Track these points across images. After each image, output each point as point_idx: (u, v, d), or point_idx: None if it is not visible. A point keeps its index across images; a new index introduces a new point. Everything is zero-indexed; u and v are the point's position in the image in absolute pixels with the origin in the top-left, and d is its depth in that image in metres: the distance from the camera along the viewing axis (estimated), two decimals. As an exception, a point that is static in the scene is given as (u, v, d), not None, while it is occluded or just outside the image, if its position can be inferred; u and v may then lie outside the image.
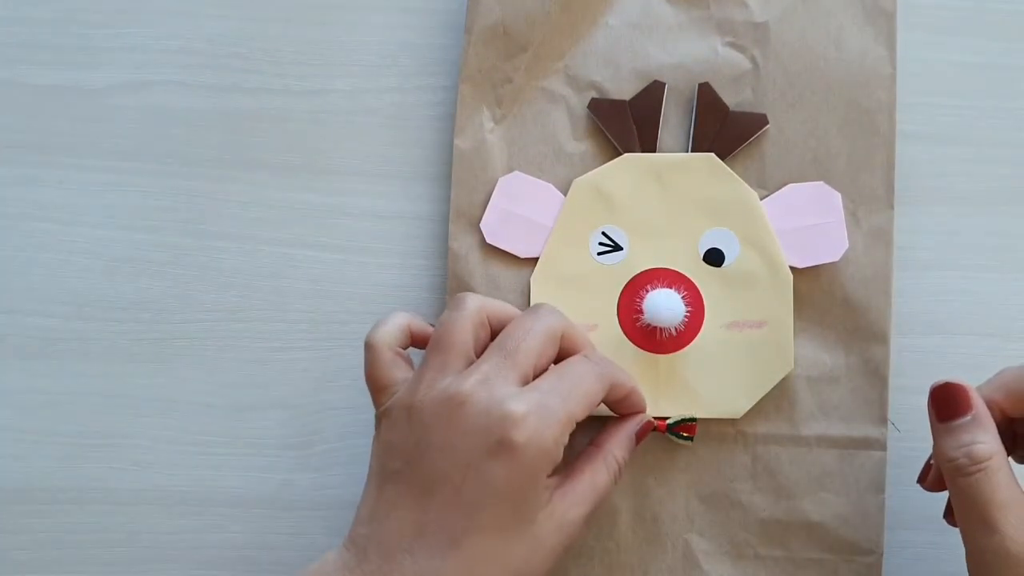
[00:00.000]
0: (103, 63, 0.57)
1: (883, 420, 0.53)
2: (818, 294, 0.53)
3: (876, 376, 0.53)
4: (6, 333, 0.57)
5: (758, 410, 0.53)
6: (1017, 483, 0.42)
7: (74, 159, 0.57)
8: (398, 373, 0.47)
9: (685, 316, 0.52)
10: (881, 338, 0.53)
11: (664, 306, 0.51)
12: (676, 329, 0.52)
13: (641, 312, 0.52)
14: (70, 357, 0.56)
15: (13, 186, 0.57)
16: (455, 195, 0.54)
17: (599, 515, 0.53)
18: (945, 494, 0.48)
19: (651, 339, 0.53)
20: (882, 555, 0.53)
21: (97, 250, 0.57)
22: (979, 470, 0.41)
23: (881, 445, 0.53)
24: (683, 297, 0.52)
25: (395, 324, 0.49)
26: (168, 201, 0.57)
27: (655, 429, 0.52)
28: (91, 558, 0.56)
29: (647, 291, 0.53)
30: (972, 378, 0.53)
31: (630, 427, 0.50)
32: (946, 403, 0.43)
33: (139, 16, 0.57)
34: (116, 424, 0.56)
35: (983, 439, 0.41)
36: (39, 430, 0.56)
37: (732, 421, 0.53)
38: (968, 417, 0.42)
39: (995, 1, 0.57)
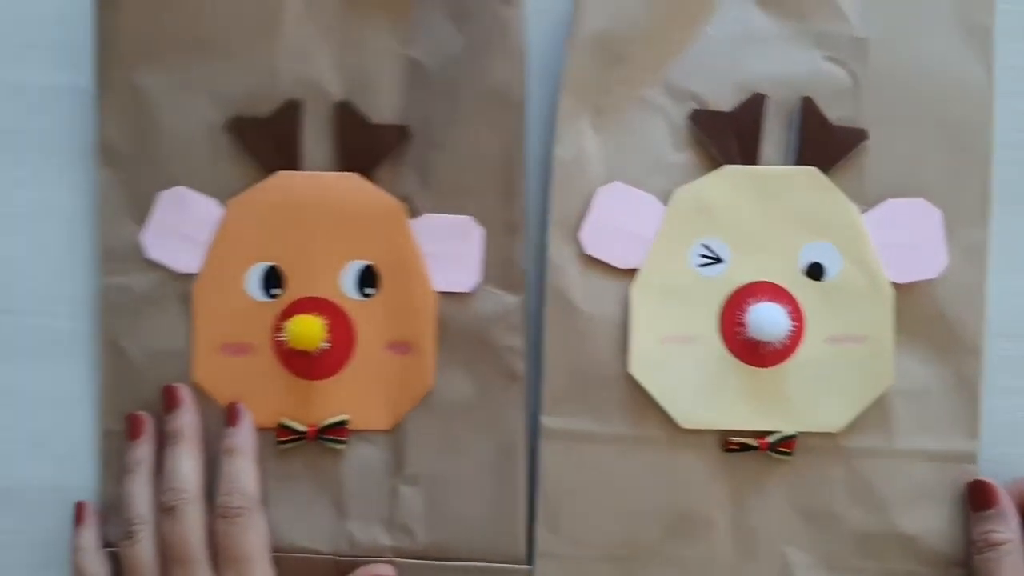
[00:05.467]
0: (103, 63, 0.56)
1: (974, 433, 0.54)
2: (914, 309, 0.54)
3: (968, 390, 0.54)
4: (6, 333, 0.55)
5: (855, 423, 0.53)
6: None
7: (74, 159, 0.56)
8: None
9: (790, 331, 0.52)
10: (974, 352, 0.54)
11: (769, 320, 0.52)
12: (779, 343, 0.52)
13: (743, 325, 0.52)
14: (70, 357, 0.55)
15: (13, 186, 0.56)
16: (554, 205, 0.54)
17: (696, 527, 0.53)
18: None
19: (753, 353, 0.53)
20: (977, 567, 0.53)
21: (97, 250, 0.55)
22: (992, 552, 0.51)
23: (973, 458, 0.54)
24: (787, 311, 0.52)
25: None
26: (165, 201, 0.56)
27: (757, 448, 0.53)
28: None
29: (749, 304, 0.53)
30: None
31: None
32: (978, 497, 0.53)
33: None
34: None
35: (1000, 529, 0.52)
36: (39, 430, 0.55)
37: (831, 435, 0.53)
38: (992, 510, 0.52)
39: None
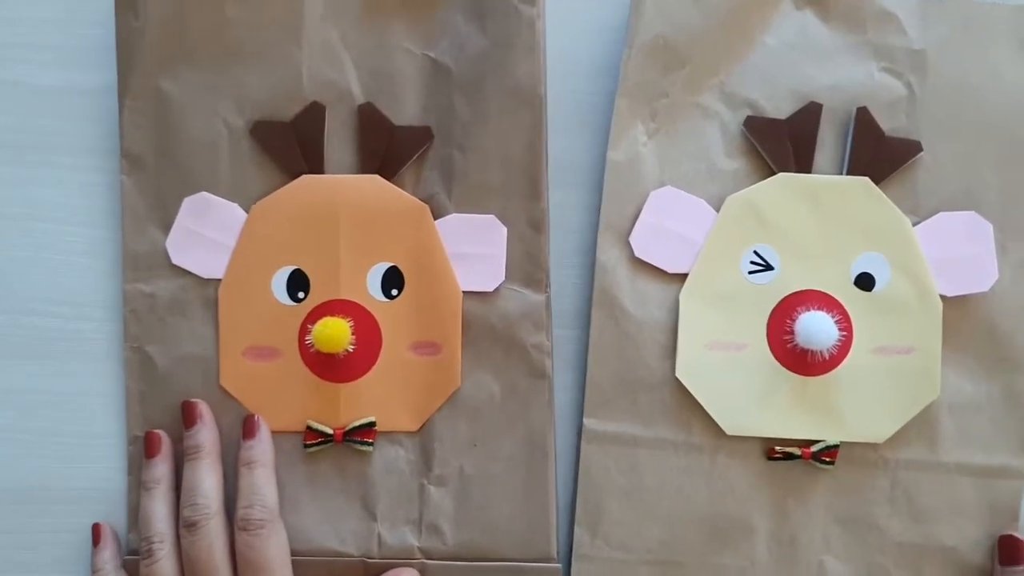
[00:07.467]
0: (103, 63, 0.56)
1: (1021, 449, 0.54)
2: (964, 323, 0.53)
3: (1018, 406, 0.54)
4: (6, 333, 0.56)
5: (899, 435, 0.53)
6: None
7: (74, 159, 0.56)
8: None
9: (838, 340, 0.52)
10: (1023, 368, 0.53)
11: (818, 329, 0.52)
12: (827, 352, 0.52)
13: (792, 333, 0.52)
14: (70, 357, 0.56)
15: (13, 186, 0.56)
16: (605, 207, 0.54)
17: (736, 535, 0.53)
18: None
19: (800, 361, 0.53)
20: (1017, 583, 0.53)
21: (97, 250, 0.56)
22: None
23: (1019, 474, 0.53)
24: (836, 321, 0.52)
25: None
26: (166, 201, 0.56)
27: (800, 457, 0.53)
28: (91, 558, 0.55)
29: (799, 313, 0.53)
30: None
31: None
32: (1008, 552, 0.53)
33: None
34: (116, 424, 0.55)
35: None
36: (39, 430, 0.56)
37: (874, 445, 0.53)
38: (1020, 567, 0.52)
39: None
